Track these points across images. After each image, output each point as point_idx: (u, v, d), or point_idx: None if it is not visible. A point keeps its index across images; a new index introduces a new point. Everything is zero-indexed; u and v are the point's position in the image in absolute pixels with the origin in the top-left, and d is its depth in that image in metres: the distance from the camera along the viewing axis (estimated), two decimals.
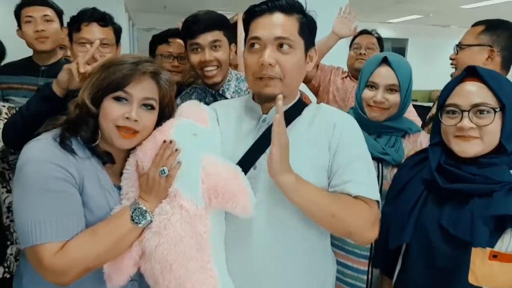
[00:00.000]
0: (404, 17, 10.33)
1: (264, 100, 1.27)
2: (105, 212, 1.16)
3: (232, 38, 1.84)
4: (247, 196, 1.12)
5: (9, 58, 2.35)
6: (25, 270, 1.22)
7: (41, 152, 1.08)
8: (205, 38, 1.72)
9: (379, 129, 1.63)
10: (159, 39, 2.22)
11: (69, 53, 1.95)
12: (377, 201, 1.21)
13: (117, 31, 1.81)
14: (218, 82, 1.82)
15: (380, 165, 1.58)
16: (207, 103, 1.82)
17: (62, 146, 1.11)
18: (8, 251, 1.78)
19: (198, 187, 1.13)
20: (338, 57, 2.83)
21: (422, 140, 1.63)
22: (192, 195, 1.12)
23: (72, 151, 1.12)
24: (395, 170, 1.55)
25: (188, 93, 1.97)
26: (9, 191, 1.78)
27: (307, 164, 1.21)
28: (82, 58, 1.45)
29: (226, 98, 1.83)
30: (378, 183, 1.54)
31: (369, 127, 1.61)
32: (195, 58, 1.77)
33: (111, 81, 1.13)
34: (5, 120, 1.79)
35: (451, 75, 1.89)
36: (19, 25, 2.10)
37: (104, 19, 1.74)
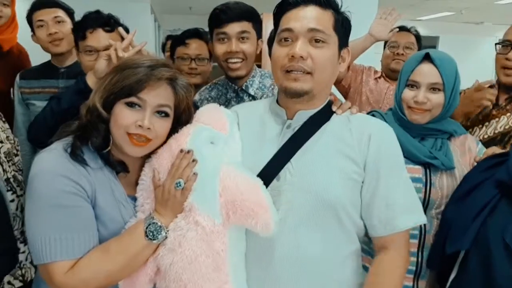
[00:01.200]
0: (434, 14, 10.06)
1: (292, 96, 1.16)
2: (119, 225, 1.11)
3: (260, 33, 1.76)
4: (268, 213, 1.03)
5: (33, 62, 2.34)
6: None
7: (51, 164, 1.04)
8: (233, 28, 1.65)
9: (422, 131, 1.50)
10: (177, 41, 2.19)
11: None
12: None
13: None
14: (242, 76, 1.74)
15: (427, 171, 1.46)
16: (229, 99, 1.80)
17: (73, 157, 1.06)
18: (22, 257, 1.75)
19: (216, 201, 1.05)
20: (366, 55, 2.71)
21: (470, 144, 1.51)
22: (209, 210, 1.05)
23: (83, 162, 1.07)
24: (444, 177, 1.44)
25: (207, 88, 1.91)
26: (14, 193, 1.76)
27: (337, 177, 1.12)
28: (120, 43, 1.45)
29: (249, 94, 1.77)
30: (426, 191, 1.43)
31: (411, 130, 1.50)
32: (220, 48, 1.69)
33: (124, 85, 1.07)
34: None
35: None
36: (33, 30, 2.09)
37: (109, 24, 1.68)
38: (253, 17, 1.71)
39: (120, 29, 1.69)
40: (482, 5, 8.53)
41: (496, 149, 1.39)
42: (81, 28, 1.68)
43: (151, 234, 1.05)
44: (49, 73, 2.11)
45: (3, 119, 1.83)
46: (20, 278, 1.70)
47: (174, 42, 2.21)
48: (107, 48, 1.61)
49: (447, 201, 1.32)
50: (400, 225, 1.13)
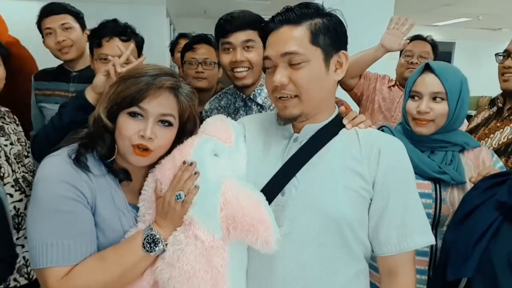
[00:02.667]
0: (451, 20, 9.93)
1: (286, 123, 1.16)
2: (118, 233, 1.10)
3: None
4: (269, 229, 1.00)
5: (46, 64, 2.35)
6: None
7: (53, 169, 1.05)
8: (237, 37, 1.64)
9: (431, 144, 1.47)
10: (186, 47, 2.22)
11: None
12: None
13: (140, 44, 1.77)
14: (249, 85, 1.73)
15: (437, 186, 1.42)
16: (237, 108, 1.80)
17: (76, 163, 1.06)
18: (28, 255, 1.75)
19: (216, 216, 1.03)
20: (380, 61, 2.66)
21: (485, 157, 1.46)
22: (209, 224, 1.03)
23: (86, 168, 1.07)
24: (455, 192, 1.41)
25: (217, 98, 1.91)
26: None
27: (344, 193, 1.08)
28: (118, 59, 1.46)
29: (257, 103, 1.76)
30: (436, 208, 1.40)
31: (420, 143, 1.47)
32: (226, 58, 1.69)
33: (126, 95, 1.07)
34: None
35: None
36: (43, 37, 2.10)
37: (125, 33, 1.69)
38: (259, 25, 1.67)
39: (120, 44, 1.68)
40: (501, 11, 8.41)
41: (491, 170, 1.34)
42: (98, 36, 1.70)
43: (148, 245, 1.04)
44: (60, 76, 2.13)
45: (17, 122, 1.88)
46: (26, 275, 1.73)
47: (184, 48, 2.24)
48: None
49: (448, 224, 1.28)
50: (411, 244, 1.09)
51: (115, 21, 1.74)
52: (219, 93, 1.93)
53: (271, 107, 1.74)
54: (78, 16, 2.11)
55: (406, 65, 2.51)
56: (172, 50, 3.16)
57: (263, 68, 1.78)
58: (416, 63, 2.45)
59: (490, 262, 1.05)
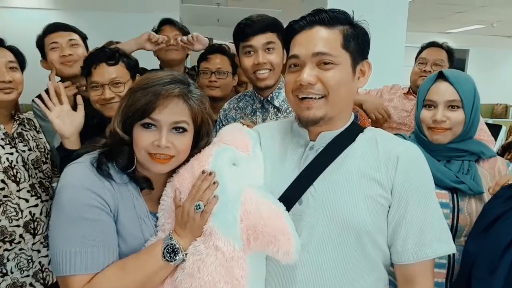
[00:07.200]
0: (465, 27, 9.86)
1: (307, 125, 1.14)
2: (139, 242, 1.11)
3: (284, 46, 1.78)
4: (291, 240, 1.00)
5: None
6: None
7: (77, 177, 1.06)
8: (258, 40, 1.69)
9: (447, 153, 1.45)
10: (201, 57, 2.27)
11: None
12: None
13: (131, 66, 1.76)
14: (271, 86, 1.77)
15: (454, 196, 1.40)
16: (254, 110, 1.84)
17: (99, 172, 1.07)
18: (44, 261, 1.77)
19: (237, 226, 1.02)
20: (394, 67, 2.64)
21: (501, 167, 1.44)
22: (229, 234, 1.02)
23: (109, 177, 1.08)
24: (472, 202, 1.38)
25: (236, 98, 1.95)
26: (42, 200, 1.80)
27: (362, 201, 1.06)
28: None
29: (274, 106, 1.79)
30: (454, 217, 1.37)
31: (435, 152, 1.45)
32: (248, 61, 1.73)
33: (137, 108, 1.07)
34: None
35: None
36: (43, 55, 2.06)
37: (113, 57, 1.69)
38: (277, 28, 1.72)
39: (106, 69, 1.70)
40: None
41: (511, 178, 1.31)
42: (87, 66, 1.71)
43: (168, 255, 1.04)
44: None
45: (38, 129, 1.92)
46: (41, 281, 1.74)
47: (200, 58, 2.28)
48: (111, 81, 1.66)
49: (467, 234, 1.25)
50: (429, 253, 1.07)
51: (101, 48, 1.78)
52: (238, 94, 1.98)
53: (287, 110, 1.77)
54: (83, 37, 2.11)
55: (419, 73, 2.46)
56: None
57: (283, 70, 1.80)
58: (430, 71, 2.39)
59: None
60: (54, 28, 2.05)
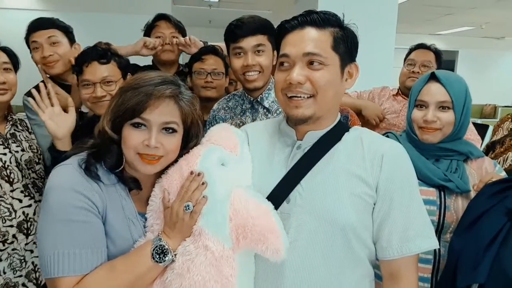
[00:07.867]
0: (454, 29, 9.96)
1: (296, 123, 1.16)
2: (128, 243, 1.10)
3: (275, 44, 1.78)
4: (279, 238, 1.01)
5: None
6: None
7: (65, 178, 1.05)
8: (248, 42, 1.69)
9: (436, 152, 1.48)
10: (194, 58, 2.25)
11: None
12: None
13: (122, 65, 1.75)
14: (259, 88, 1.78)
15: (441, 193, 1.43)
16: (244, 110, 1.84)
17: (87, 173, 1.07)
18: (37, 261, 1.78)
19: (226, 226, 1.03)
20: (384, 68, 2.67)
21: (488, 167, 1.46)
22: (219, 234, 1.03)
23: (97, 178, 1.08)
24: (459, 200, 1.41)
25: (225, 98, 1.95)
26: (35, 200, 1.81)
27: (348, 199, 1.09)
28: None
29: (264, 107, 1.80)
30: (440, 215, 1.40)
31: (425, 151, 1.48)
32: (237, 62, 1.73)
33: (127, 108, 1.08)
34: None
35: None
36: (31, 52, 2.05)
37: (104, 56, 1.69)
38: (268, 30, 1.73)
39: (98, 67, 1.69)
40: (504, 19, 8.43)
41: (494, 176, 1.34)
42: (78, 64, 1.71)
43: (157, 256, 1.04)
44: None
45: (30, 129, 1.92)
46: (34, 281, 1.74)
47: (192, 59, 2.27)
48: (103, 80, 1.66)
49: (453, 231, 1.27)
50: (413, 248, 1.09)
51: (94, 46, 1.77)
52: (228, 95, 1.97)
53: (277, 111, 1.77)
54: (67, 31, 2.07)
55: (408, 74, 2.51)
56: (147, 35, 2.54)
57: (273, 71, 1.82)
58: (418, 72, 2.45)
59: (503, 270, 1.04)
60: (36, 25, 2.02)
